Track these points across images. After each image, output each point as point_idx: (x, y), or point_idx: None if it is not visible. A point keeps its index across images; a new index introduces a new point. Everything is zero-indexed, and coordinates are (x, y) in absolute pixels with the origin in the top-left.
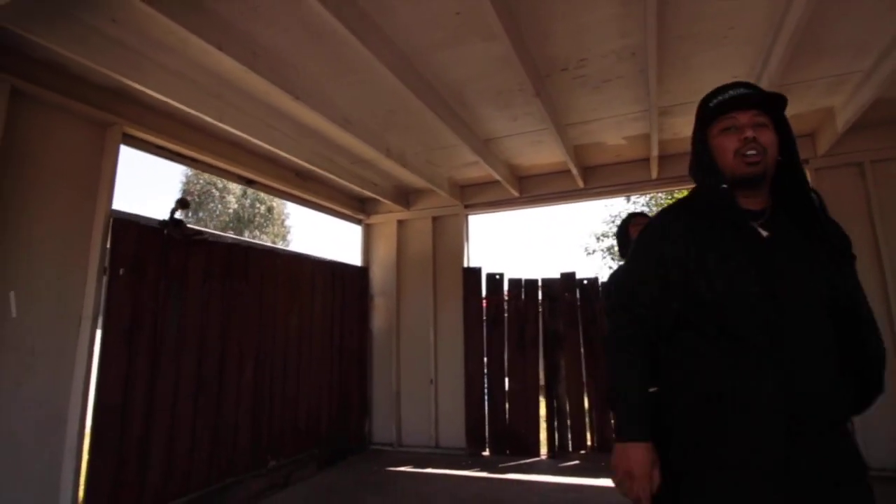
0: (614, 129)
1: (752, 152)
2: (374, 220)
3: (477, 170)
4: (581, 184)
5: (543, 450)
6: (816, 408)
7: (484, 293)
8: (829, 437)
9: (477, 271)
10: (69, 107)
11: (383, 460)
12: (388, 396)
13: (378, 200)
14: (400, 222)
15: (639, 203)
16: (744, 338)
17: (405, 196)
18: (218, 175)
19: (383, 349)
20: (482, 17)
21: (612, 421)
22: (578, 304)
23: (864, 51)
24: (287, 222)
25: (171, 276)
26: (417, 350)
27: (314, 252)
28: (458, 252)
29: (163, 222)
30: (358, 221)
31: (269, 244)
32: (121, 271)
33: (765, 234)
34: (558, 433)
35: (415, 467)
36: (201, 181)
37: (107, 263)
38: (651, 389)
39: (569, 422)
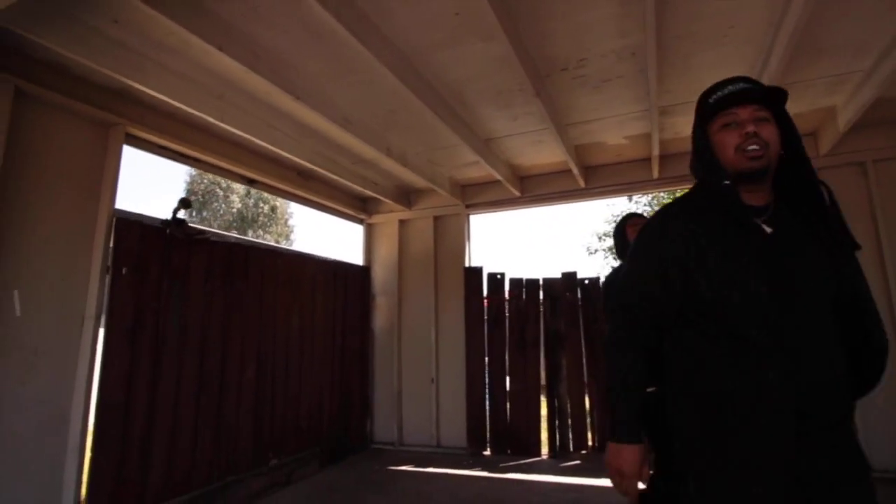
0: (615, 128)
1: (754, 147)
2: (375, 219)
3: (478, 169)
4: (582, 183)
5: (544, 450)
6: (822, 405)
7: (485, 293)
8: (834, 436)
9: (478, 271)
10: (72, 107)
11: (384, 459)
12: (389, 396)
13: (379, 200)
14: (401, 222)
15: (641, 202)
16: (745, 337)
17: (406, 196)
18: (220, 175)
19: (385, 348)
20: (481, 18)
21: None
22: (580, 303)
23: (864, 50)
24: (290, 222)
25: (173, 276)
26: (419, 349)
27: (316, 252)
28: (460, 252)
29: (165, 222)
30: (360, 221)
31: (271, 244)
32: (123, 271)
33: (768, 230)
34: (559, 433)
35: (416, 466)
36: (205, 181)
37: (109, 263)
38: (649, 389)
39: (570, 422)
